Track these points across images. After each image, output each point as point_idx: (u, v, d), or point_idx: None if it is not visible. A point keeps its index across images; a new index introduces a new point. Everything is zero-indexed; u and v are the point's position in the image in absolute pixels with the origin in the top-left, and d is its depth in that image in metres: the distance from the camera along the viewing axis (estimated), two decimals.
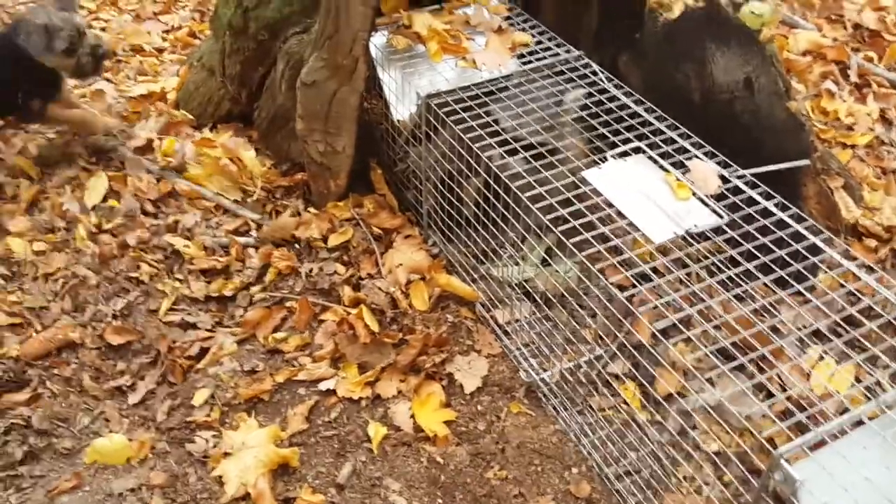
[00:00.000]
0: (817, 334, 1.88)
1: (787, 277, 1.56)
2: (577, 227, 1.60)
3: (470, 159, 1.86)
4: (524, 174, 1.74)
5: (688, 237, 1.57)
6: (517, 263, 2.10)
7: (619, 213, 1.63)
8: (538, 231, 1.90)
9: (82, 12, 3.60)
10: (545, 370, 1.93)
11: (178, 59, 3.18)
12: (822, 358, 1.89)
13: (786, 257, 1.56)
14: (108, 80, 3.09)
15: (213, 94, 2.73)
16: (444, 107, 1.95)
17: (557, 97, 2.00)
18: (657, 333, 1.48)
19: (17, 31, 2.31)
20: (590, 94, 1.99)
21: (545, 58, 2.15)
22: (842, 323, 1.48)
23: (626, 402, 1.89)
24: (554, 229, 1.62)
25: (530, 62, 2.15)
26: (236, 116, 2.76)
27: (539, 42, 2.22)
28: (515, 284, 2.07)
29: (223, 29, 2.48)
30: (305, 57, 2.15)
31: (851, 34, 3.08)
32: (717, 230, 1.62)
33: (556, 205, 1.66)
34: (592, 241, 1.60)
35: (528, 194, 1.70)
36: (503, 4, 2.33)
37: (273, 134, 2.47)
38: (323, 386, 1.97)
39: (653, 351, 1.56)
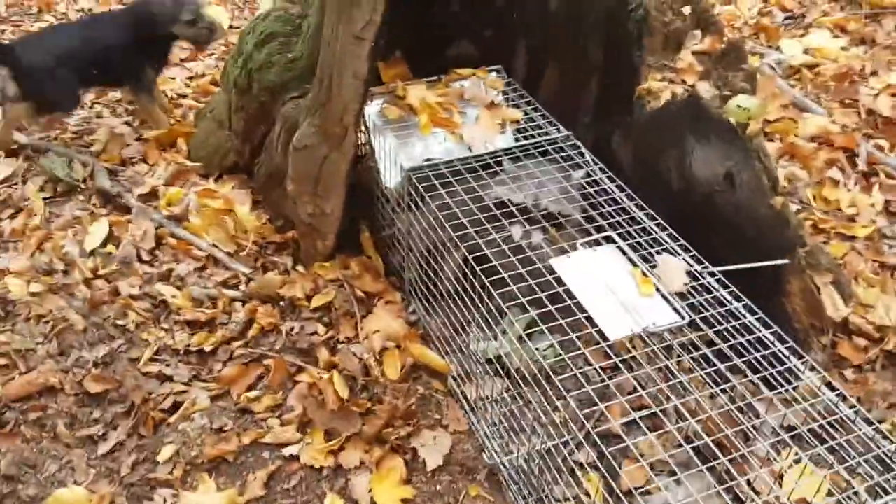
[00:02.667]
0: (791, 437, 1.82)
1: (756, 381, 1.53)
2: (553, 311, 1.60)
3: (446, 235, 1.87)
4: (491, 257, 1.74)
5: (644, 336, 1.55)
6: (494, 338, 2.09)
7: (580, 306, 1.62)
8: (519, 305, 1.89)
9: None
10: (510, 453, 1.91)
11: (195, 107, 3.28)
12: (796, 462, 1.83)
13: (755, 362, 1.53)
14: (127, 123, 3.21)
15: (221, 144, 2.80)
16: (426, 181, 1.98)
17: (538, 179, 2.01)
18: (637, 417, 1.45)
19: (150, 1, 2.83)
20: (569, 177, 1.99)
21: (534, 136, 2.17)
22: (804, 433, 1.44)
23: (588, 494, 1.85)
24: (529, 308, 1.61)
25: (518, 139, 2.16)
26: (241, 168, 2.83)
27: (530, 119, 2.24)
28: (489, 360, 2.06)
29: (230, 86, 2.55)
30: (300, 121, 2.20)
31: (864, 119, 3.04)
32: (679, 329, 1.59)
33: (517, 291, 1.65)
34: (566, 327, 1.59)
35: (492, 279, 1.70)
36: (500, 79, 2.36)
37: (270, 190, 2.52)
38: (287, 451, 1.97)
39: (624, 438, 1.51)
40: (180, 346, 2.26)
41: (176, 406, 2.11)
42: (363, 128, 2.28)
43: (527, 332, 1.82)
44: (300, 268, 2.42)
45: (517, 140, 2.20)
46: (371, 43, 1.96)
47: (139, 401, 2.09)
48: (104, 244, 2.56)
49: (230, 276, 2.46)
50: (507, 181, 2.02)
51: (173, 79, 3.57)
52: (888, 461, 1.34)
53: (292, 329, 2.26)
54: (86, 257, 2.52)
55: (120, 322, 2.29)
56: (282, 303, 2.33)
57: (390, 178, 2.18)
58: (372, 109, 2.23)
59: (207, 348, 2.24)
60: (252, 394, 2.13)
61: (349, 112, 2.07)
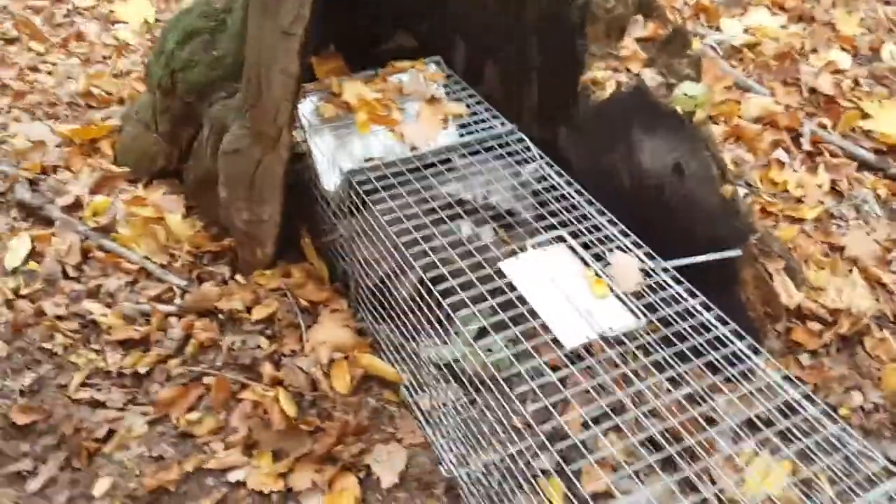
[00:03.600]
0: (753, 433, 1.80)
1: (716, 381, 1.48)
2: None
3: (390, 242, 1.78)
4: (438, 264, 1.66)
5: (601, 342, 1.49)
6: (445, 342, 2.01)
7: (533, 312, 1.54)
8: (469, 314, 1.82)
9: (30, 55, 3.53)
10: (467, 464, 1.83)
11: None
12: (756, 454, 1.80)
13: (715, 361, 1.49)
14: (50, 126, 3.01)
15: (148, 148, 2.64)
16: (367, 183, 1.88)
17: (485, 175, 1.93)
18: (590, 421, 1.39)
19: None
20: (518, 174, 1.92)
21: (476, 131, 2.08)
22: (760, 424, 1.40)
23: (550, 502, 1.79)
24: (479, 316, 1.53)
25: (462, 135, 2.08)
26: (172, 173, 2.67)
27: (474, 113, 2.16)
28: (443, 366, 1.98)
29: (154, 87, 2.40)
30: (229, 123, 2.07)
31: (807, 98, 3.04)
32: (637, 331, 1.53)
33: (467, 300, 1.57)
34: (520, 337, 1.52)
35: (440, 287, 1.61)
36: (440, 72, 2.27)
37: (202, 196, 2.38)
38: (233, 476, 1.86)
39: (580, 445, 1.45)
40: (113, 368, 2.11)
41: (111, 434, 1.97)
42: (299, 127, 2.15)
43: (480, 338, 1.75)
44: (239, 277, 2.29)
45: (461, 136, 2.12)
46: (301, 38, 1.84)
47: (70, 431, 1.95)
48: (26, 261, 2.38)
49: (164, 290, 2.32)
50: (455, 179, 1.93)
51: (99, 76, 3.37)
52: (854, 460, 1.31)
53: (233, 344, 2.14)
54: (6, 276, 2.34)
55: (46, 345, 2.14)
56: (220, 316, 2.21)
57: (329, 180, 2.07)
58: (306, 108, 2.11)
59: (142, 369, 2.10)
60: (193, 416, 2.01)
61: (281, 112, 1.95)
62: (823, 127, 2.88)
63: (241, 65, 2.01)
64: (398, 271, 1.78)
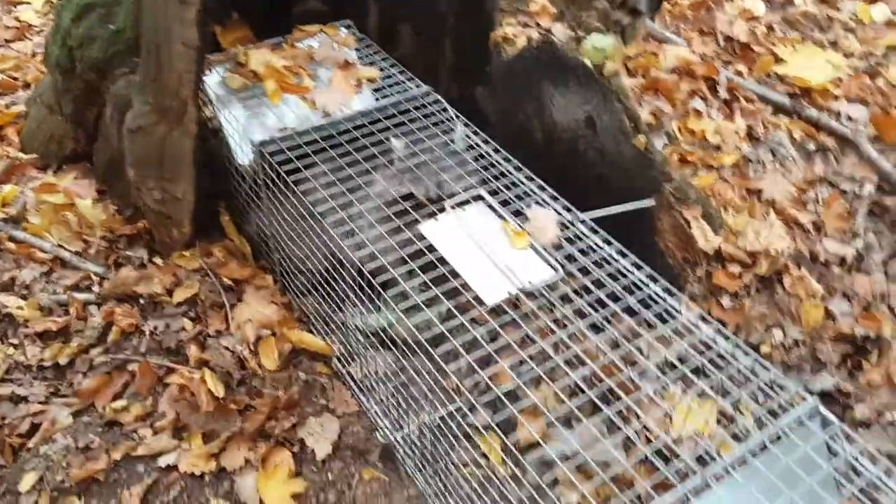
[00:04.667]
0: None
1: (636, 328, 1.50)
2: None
3: (304, 215, 1.74)
4: (357, 231, 1.63)
5: (522, 296, 1.49)
6: (378, 309, 1.99)
7: (454, 272, 1.54)
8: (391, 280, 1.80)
9: None
10: (402, 428, 1.83)
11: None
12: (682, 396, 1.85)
13: (633, 305, 1.51)
14: None
15: (55, 132, 2.53)
16: (279, 154, 1.83)
17: (404, 139, 1.90)
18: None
19: None
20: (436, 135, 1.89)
21: (392, 94, 2.05)
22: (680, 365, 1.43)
23: (485, 456, 1.81)
24: (386, 295, 1.51)
25: (377, 100, 2.04)
26: (82, 156, 2.56)
27: (389, 77, 2.12)
28: (373, 333, 1.96)
29: (53, 67, 2.28)
30: (132, 100, 1.99)
31: (723, 47, 3.08)
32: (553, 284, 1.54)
33: (387, 266, 1.56)
34: (442, 297, 1.51)
35: (359, 253, 1.59)
36: (352, 36, 2.21)
37: (113, 178, 2.29)
38: (163, 461, 1.82)
39: (503, 399, 1.45)
40: (33, 361, 2.04)
41: (34, 428, 1.90)
42: (207, 100, 2.08)
43: (406, 305, 1.74)
44: (158, 260, 2.22)
45: (377, 100, 2.08)
46: (198, 7, 1.76)
47: None
48: None
49: (81, 278, 2.23)
50: (371, 145, 1.89)
51: (2, 60, 3.20)
52: (767, 390, 1.35)
53: (156, 328, 2.08)
54: None
55: None
56: (141, 300, 2.14)
57: (242, 154, 2.01)
58: (212, 79, 2.03)
59: (63, 361, 2.03)
60: (118, 404, 1.95)
61: (184, 85, 1.88)
62: (739, 74, 2.93)
63: (140, 38, 1.93)
64: (318, 243, 1.74)
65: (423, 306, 1.51)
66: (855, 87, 3.04)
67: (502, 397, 1.39)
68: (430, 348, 1.43)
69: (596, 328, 1.54)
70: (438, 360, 1.44)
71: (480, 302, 1.49)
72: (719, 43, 3.11)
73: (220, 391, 1.89)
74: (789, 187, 2.56)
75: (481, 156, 1.84)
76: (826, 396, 2.02)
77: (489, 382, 1.40)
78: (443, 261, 1.57)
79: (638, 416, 1.57)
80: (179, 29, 1.80)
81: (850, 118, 2.84)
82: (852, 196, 2.56)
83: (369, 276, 1.54)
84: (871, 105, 2.91)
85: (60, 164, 2.59)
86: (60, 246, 2.30)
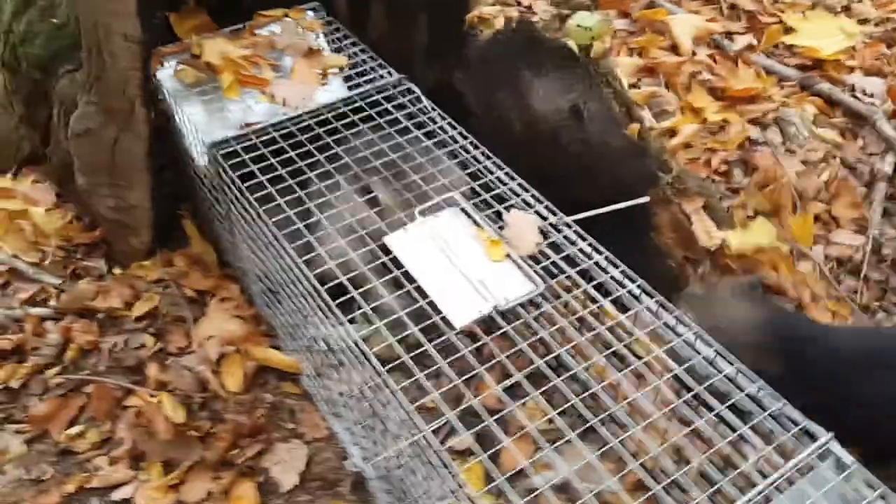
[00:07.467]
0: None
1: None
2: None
3: (265, 226, 1.57)
4: (315, 244, 1.47)
5: (495, 317, 1.33)
6: (350, 322, 1.83)
7: (420, 290, 1.37)
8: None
9: None
10: (376, 455, 1.68)
11: None
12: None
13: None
14: None
15: (10, 133, 2.36)
16: (233, 157, 1.65)
17: (369, 136, 1.72)
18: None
19: None
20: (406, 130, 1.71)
21: (360, 84, 1.86)
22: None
23: (460, 486, 1.65)
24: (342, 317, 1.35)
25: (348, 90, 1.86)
26: (43, 157, 2.40)
27: (356, 65, 1.93)
28: (343, 350, 1.80)
29: (0, 65, 2.11)
30: (78, 100, 1.82)
31: (727, 16, 2.87)
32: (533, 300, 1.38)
33: (346, 283, 1.39)
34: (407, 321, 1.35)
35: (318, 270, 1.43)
36: (319, 20, 2.03)
37: (68, 182, 2.13)
38: (119, 494, 1.68)
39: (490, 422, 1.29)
40: None
41: None
42: (163, 97, 1.91)
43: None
44: (117, 270, 2.07)
45: (348, 91, 1.89)
46: None
47: None
48: None
49: (37, 291, 2.09)
50: (336, 142, 1.71)
51: None
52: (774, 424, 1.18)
53: (115, 345, 1.93)
54: None
55: None
56: (100, 315, 1.99)
57: (199, 155, 1.84)
58: (165, 74, 1.86)
59: (16, 383, 1.89)
60: (74, 430, 1.81)
61: (130, 83, 1.71)
62: (750, 48, 2.71)
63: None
64: (275, 255, 1.57)
65: (383, 329, 1.35)
66: (870, 56, 2.82)
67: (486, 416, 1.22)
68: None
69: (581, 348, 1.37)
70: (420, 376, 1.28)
71: (449, 324, 1.33)
72: (723, 12, 2.89)
73: (179, 416, 1.74)
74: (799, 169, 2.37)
75: (458, 153, 1.66)
76: None
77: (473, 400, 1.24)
78: (410, 276, 1.41)
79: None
80: (119, 22, 1.63)
81: (865, 92, 2.62)
82: (867, 179, 2.37)
83: (326, 297, 1.37)
84: (889, 77, 2.70)
85: (20, 167, 2.43)
86: (15, 256, 2.15)
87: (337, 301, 1.37)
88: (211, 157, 1.69)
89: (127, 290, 1.97)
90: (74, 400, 1.86)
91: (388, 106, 1.80)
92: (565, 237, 1.47)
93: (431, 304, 1.36)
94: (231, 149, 1.67)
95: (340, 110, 1.80)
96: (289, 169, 1.63)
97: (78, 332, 1.96)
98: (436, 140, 1.72)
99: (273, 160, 1.64)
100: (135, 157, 1.82)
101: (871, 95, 2.63)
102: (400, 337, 1.71)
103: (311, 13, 2.06)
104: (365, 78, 1.90)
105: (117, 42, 1.65)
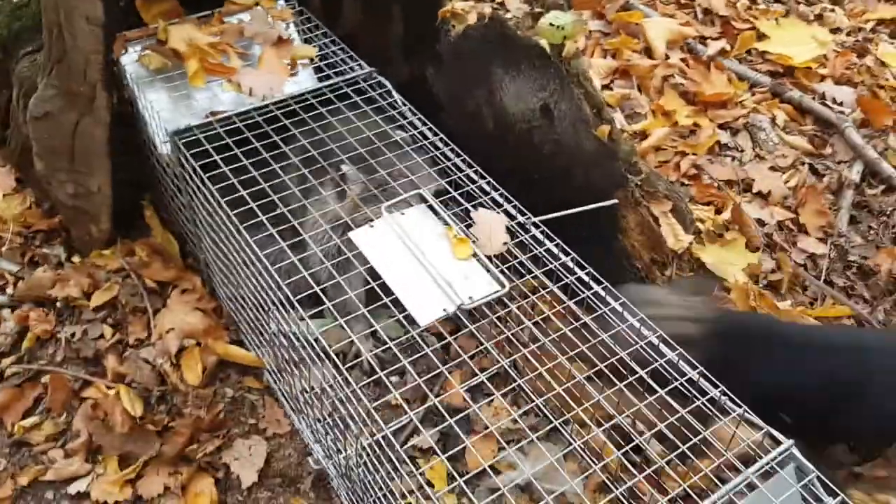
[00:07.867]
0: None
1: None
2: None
3: (226, 218, 1.53)
4: (279, 238, 1.44)
5: (460, 314, 1.31)
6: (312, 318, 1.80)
7: (385, 287, 1.35)
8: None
9: None
10: (339, 452, 1.65)
11: None
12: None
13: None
14: None
15: None
16: (195, 146, 1.62)
17: (337, 129, 1.69)
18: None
19: None
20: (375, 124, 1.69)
21: (330, 76, 1.84)
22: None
23: (430, 484, 1.64)
24: (302, 313, 1.33)
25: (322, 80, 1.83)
26: (2, 141, 2.33)
27: (326, 57, 1.90)
28: (308, 344, 1.78)
29: None
30: (38, 83, 1.77)
31: (702, 21, 2.88)
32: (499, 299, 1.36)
33: (309, 279, 1.37)
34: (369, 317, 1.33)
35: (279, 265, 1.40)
36: (290, 9, 1.99)
37: (27, 167, 2.06)
38: (74, 487, 1.65)
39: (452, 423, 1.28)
40: None
41: None
42: (125, 83, 1.86)
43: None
44: (76, 258, 2.02)
45: (319, 81, 1.86)
46: None
47: None
48: None
49: None
50: (301, 134, 1.68)
51: None
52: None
53: (73, 335, 1.89)
54: None
55: None
56: (57, 304, 1.94)
57: (161, 143, 1.79)
58: (128, 59, 1.81)
59: None
60: (29, 421, 1.77)
61: (92, 67, 1.67)
62: (722, 52, 2.72)
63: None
64: (235, 248, 1.54)
65: (346, 327, 1.33)
66: (841, 65, 2.86)
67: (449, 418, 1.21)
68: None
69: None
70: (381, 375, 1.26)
71: (412, 321, 1.31)
72: (697, 16, 2.90)
73: (137, 410, 1.70)
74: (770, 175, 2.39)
75: (427, 149, 1.64)
76: None
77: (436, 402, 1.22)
78: (374, 273, 1.39)
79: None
80: (81, 4, 1.58)
81: (835, 101, 2.65)
82: (835, 186, 2.39)
83: (287, 293, 1.35)
84: (859, 87, 2.73)
85: None
86: None
87: (298, 296, 1.34)
88: (173, 146, 1.66)
89: (86, 279, 1.93)
90: (30, 390, 1.82)
91: (358, 99, 1.78)
92: (533, 237, 1.46)
93: (396, 301, 1.34)
94: (194, 137, 1.64)
95: (308, 102, 1.77)
96: (253, 160, 1.60)
97: (35, 321, 1.91)
98: (405, 135, 1.70)
99: (237, 150, 1.61)
100: (95, 142, 1.77)
101: (841, 104, 2.66)
102: (363, 334, 1.71)
103: (282, 2, 2.03)
104: (335, 70, 1.87)
105: (79, 24, 1.60)
